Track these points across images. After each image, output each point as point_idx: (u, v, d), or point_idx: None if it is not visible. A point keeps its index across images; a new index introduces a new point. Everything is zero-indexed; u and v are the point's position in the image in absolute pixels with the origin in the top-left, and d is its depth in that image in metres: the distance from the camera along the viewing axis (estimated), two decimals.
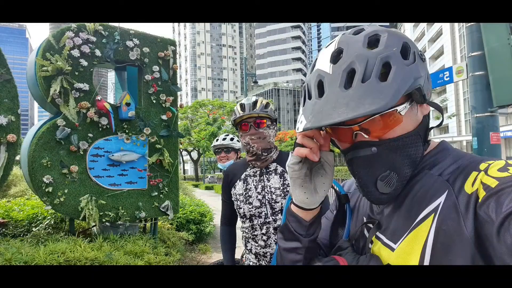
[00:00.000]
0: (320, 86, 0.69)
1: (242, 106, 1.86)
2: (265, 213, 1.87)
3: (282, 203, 1.83)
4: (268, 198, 1.86)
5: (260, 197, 1.88)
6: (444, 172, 0.69)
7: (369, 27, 0.71)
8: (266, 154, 1.88)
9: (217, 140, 3.07)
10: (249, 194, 1.91)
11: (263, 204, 1.87)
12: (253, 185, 1.91)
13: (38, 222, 4.58)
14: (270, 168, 1.91)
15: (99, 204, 4.28)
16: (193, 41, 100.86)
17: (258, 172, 1.93)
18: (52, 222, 4.57)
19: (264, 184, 1.88)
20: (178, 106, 5.09)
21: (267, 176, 1.90)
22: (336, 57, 0.69)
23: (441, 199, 0.65)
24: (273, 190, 1.86)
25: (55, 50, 4.18)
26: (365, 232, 0.81)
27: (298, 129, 0.69)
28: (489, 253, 0.57)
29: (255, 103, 1.84)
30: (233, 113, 1.96)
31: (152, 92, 4.82)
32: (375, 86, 0.62)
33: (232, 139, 3.14)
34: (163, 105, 4.91)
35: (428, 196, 0.67)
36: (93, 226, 4.64)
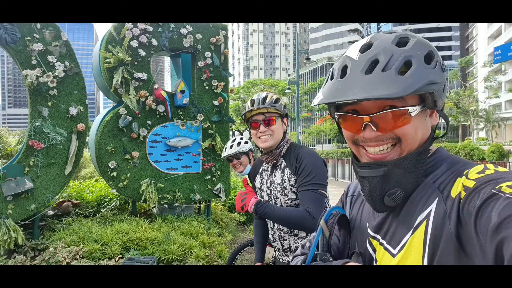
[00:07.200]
0: (344, 69, 0.74)
1: (252, 101, 1.88)
2: None
3: (281, 199, 1.86)
4: (273, 193, 1.90)
5: (268, 191, 1.94)
6: (438, 180, 0.74)
7: (404, 32, 0.76)
8: (274, 150, 1.90)
9: (225, 149, 2.96)
10: (262, 188, 1.98)
11: (270, 199, 1.93)
12: (265, 179, 1.97)
13: (105, 203, 5.05)
14: (279, 163, 1.93)
15: (158, 187, 4.57)
16: None
17: (270, 167, 1.96)
18: (117, 203, 5.00)
19: (272, 179, 1.93)
20: (229, 91, 5.15)
21: (275, 171, 1.93)
22: (365, 48, 0.74)
23: (432, 206, 0.70)
24: (275, 185, 1.89)
25: (116, 42, 4.42)
26: (367, 245, 0.85)
27: (313, 103, 0.76)
28: (470, 251, 0.61)
29: (265, 98, 1.86)
30: (243, 108, 1.99)
31: (204, 78, 4.92)
32: (392, 77, 0.67)
33: (239, 143, 2.91)
34: (215, 90, 5.00)
35: (422, 204, 0.73)
36: (153, 208, 4.99)
